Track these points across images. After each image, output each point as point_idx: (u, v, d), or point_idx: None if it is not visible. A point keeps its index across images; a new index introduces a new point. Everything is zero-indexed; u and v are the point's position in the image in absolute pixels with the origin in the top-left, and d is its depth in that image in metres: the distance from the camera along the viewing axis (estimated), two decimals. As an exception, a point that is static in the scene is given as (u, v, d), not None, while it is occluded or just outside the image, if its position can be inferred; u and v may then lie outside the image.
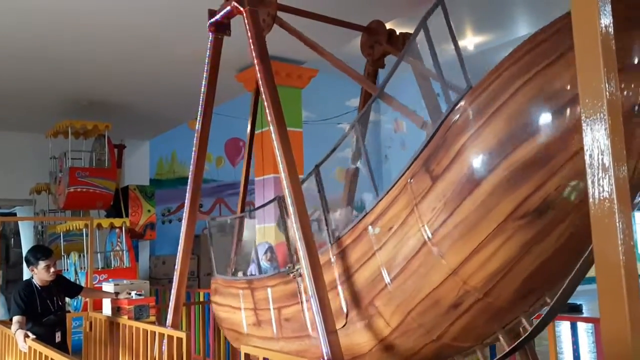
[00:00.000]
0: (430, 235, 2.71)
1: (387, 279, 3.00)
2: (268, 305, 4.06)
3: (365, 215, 3.22)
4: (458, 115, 2.66)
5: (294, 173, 3.51)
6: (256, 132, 7.12)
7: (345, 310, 3.29)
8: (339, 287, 3.33)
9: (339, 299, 3.32)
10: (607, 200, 0.81)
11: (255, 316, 4.24)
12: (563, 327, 5.39)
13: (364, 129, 4.57)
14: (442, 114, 2.82)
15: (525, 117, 2.37)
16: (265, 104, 3.67)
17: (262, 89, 3.71)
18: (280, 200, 4.17)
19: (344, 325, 3.29)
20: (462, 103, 2.65)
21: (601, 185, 0.81)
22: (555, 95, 2.29)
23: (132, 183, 9.31)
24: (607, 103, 0.81)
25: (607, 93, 0.83)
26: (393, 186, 3.01)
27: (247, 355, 3.34)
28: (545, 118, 2.29)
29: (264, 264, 4.80)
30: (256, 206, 7.00)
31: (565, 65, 2.25)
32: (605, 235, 0.81)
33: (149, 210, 8.93)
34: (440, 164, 2.69)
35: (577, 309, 12.91)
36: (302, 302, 3.66)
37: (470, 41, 10.34)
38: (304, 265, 3.27)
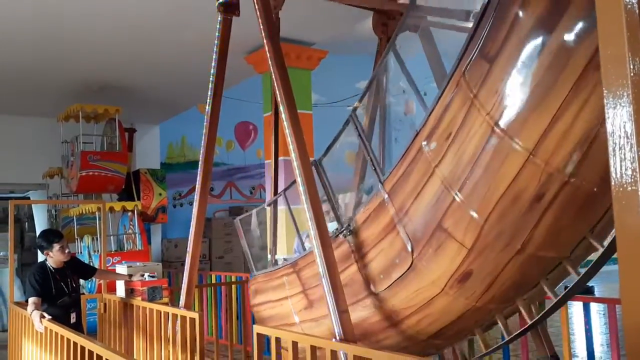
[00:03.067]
0: (497, 121, 2.41)
1: (454, 192, 2.63)
2: (319, 280, 3.57)
3: (415, 136, 2.94)
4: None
5: (304, 155, 3.50)
6: (266, 114, 7.13)
7: (410, 248, 2.94)
8: (398, 226, 3.01)
9: (400, 238, 3.00)
10: (629, 169, 0.79)
11: (306, 298, 3.97)
12: (575, 309, 5.37)
13: (376, 103, 4.50)
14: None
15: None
16: (276, 85, 3.65)
17: (271, 70, 3.69)
18: (316, 164, 3.91)
19: (410, 266, 2.96)
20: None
21: (623, 154, 0.80)
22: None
23: (143, 167, 9.36)
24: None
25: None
26: (443, 92, 2.74)
27: (259, 335, 3.36)
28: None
29: (308, 244, 4.70)
30: (267, 189, 6.99)
31: None
32: (627, 206, 0.80)
33: (160, 194, 8.99)
34: (495, 41, 2.45)
35: (589, 290, 12.91)
36: (357, 261, 3.35)
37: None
38: (315, 246, 3.27)
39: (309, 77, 6.93)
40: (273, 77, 3.68)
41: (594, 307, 4.65)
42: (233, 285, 7.04)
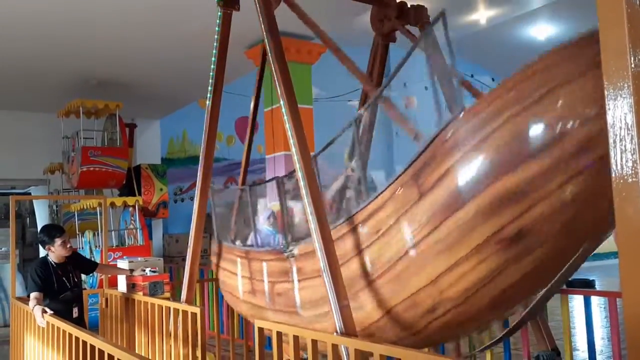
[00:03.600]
0: (413, 245, 2.85)
1: (371, 277, 3.15)
2: (263, 277, 4.22)
3: (356, 213, 3.29)
4: (450, 134, 2.69)
5: (304, 149, 3.50)
6: (266, 109, 7.12)
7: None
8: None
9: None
10: (630, 161, 0.79)
11: (251, 284, 4.44)
12: (575, 302, 5.38)
13: (367, 127, 4.58)
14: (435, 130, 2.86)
15: (513, 148, 2.41)
16: (276, 79, 3.65)
17: (272, 64, 3.68)
18: (279, 181, 4.27)
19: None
20: (455, 123, 2.67)
21: (623, 146, 0.79)
22: (543, 129, 2.31)
23: (144, 162, 9.36)
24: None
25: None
26: (384, 190, 3.09)
27: (260, 330, 3.37)
28: (531, 151, 2.33)
29: (266, 227, 4.88)
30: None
31: (553, 101, 2.25)
32: (628, 198, 0.79)
33: (161, 189, 8.99)
34: (428, 179, 2.77)
35: (589, 284, 12.93)
36: (292, 281, 3.80)
37: (482, 15, 10.16)
38: (315, 240, 3.28)
39: (309, 71, 6.92)
40: (273, 71, 3.67)
41: (595, 300, 4.65)
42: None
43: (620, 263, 0.89)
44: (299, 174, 3.46)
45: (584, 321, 4.21)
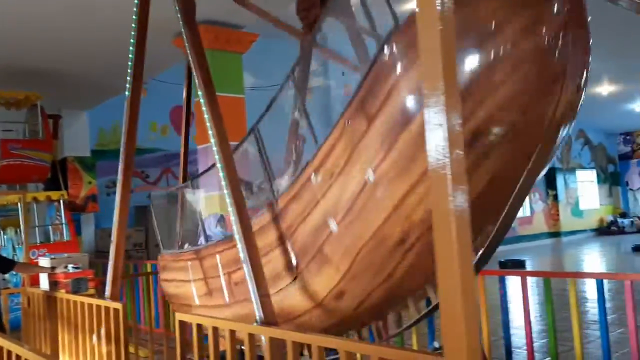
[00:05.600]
0: (371, 174, 2.72)
1: (332, 225, 2.99)
2: (217, 272, 4.01)
3: (306, 166, 3.17)
4: (387, 54, 2.65)
5: (223, 139, 3.48)
6: (197, 99, 6.99)
7: (295, 263, 3.26)
8: (287, 242, 3.30)
9: (288, 254, 3.30)
10: (440, 151, 0.84)
11: (206, 285, 4.22)
12: (510, 282, 5.57)
13: (303, 81, 4.51)
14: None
15: None
16: (193, 68, 3.60)
17: (189, 53, 3.62)
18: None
19: (295, 279, 3.26)
20: (390, 42, 2.65)
21: (437, 137, 0.84)
22: (478, 34, 2.31)
23: (72, 154, 9.00)
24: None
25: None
26: (331, 132, 2.99)
27: (182, 323, 3.34)
28: (470, 57, 2.31)
29: (218, 230, 4.81)
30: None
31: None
32: (439, 187, 0.84)
33: (89, 182, 8.69)
34: (374, 103, 2.70)
35: (521, 264, 13.59)
36: (292, 225, 3.41)
37: None
38: (235, 231, 3.28)
39: (239, 60, 6.84)
40: (191, 62, 3.62)
41: (530, 280, 4.86)
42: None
43: (436, 247, 0.93)
44: (218, 165, 3.44)
45: (500, 300, 4.41)
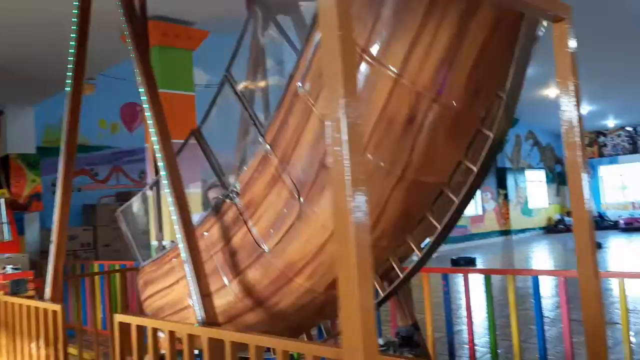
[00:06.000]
0: (364, 49, 2.51)
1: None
2: (210, 252, 3.59)
3: (290, 81, 2.99)
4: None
5: (166, 138, 3.44)
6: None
7: (296, 194, 2.99)
8: (283, 175, 3.03)
9: (286, 187, 3.02)
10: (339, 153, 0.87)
11: None
12: (460, 280, 5.71)
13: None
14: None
15: None
16: (135, 65, 3.54)
17: (132, 49, 3.56)
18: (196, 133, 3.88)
19: (299, 214, 2.99)
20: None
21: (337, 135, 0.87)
22: None
23: (15, 151, 8.67)
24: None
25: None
26: (311, 31, 2.82)
27: (121, 324, 3.28)
28: None
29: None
30: (148, 173, 6.78)
31: None
32: (338, 186, 0.87)
33: (33, 180, 8.40)
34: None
35: (472, 262, 13.95)
36: (246, 222, 3.30)
37: None
38: (178, 231, 3.25)
39: (190, 57, 6.75)
40: (133, 58, 3.56)
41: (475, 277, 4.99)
42: (118, 274, 6.78)
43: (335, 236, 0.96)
44: (160, 164, 3.40)
45: (442, 295, 4.52)
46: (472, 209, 18.94)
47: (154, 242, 5.43)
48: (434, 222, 2.81)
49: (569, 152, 1.70)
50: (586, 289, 1.72)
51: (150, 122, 3.46)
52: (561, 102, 1.72)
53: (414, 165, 2.60)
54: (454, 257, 13.64)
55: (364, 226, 0.91)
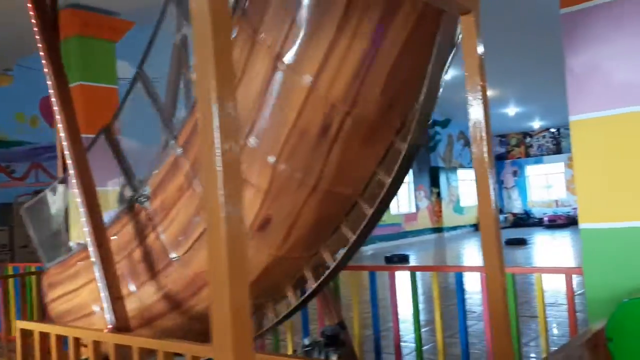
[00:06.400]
0: (279, 56, 2.45)
1: (243, 136, 2.67)
2: (119, 257, 3.39)
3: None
4: None
5: (75, 134, 3.24)
6: (72, 85, 6.50)
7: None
8: (194, 181, 2.89)
9: (197, 194, 2.88)
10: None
11: None
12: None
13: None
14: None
15: None
16: (42, 57, 3.31)
17: (37, 37, 3.33)
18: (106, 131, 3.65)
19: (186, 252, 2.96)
20: None
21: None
22: None
23: None
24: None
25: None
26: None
27: (23, 331, 3.05)
28: None
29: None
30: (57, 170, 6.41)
31: None
32: (209, 178, 0.80)
33: (-61, 178, 7.78)
34: None
35: (405, 259, 14.23)
36: (155, 228, 3.16)
37: None
38: (88, 233, 3.06)
39: (112, 49, 6.45)
40: (39, 49, 3.34)
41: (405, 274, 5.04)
42: (32, 277, 6.37)
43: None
44: (68, 162, 3.20)
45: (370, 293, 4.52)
46: (406, 207, 19.33)
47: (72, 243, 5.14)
48: (348, 232, 2.75)
49: (475, 150, 1.69)
50: (493, 285, 1.72)
51: (58, 116, 3.25)
52: (468, 98, 1.70)
53: (328, 176, 2.56)
54: (387, 255, 13.85)
55: (237, 219, 0.83)
